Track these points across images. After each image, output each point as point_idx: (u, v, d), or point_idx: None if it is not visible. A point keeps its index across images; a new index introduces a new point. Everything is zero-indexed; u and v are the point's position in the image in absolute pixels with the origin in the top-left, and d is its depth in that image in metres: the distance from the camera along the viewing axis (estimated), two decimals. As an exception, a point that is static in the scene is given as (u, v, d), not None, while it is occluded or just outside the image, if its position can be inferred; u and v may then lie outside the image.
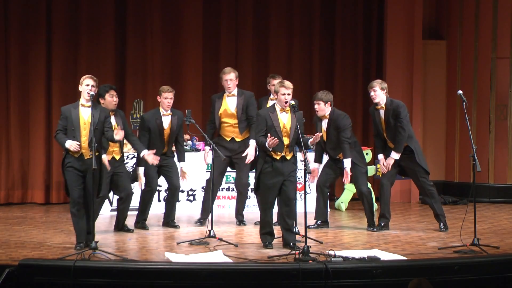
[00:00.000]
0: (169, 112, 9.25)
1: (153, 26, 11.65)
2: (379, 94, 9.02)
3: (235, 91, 9.39)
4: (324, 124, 9.21)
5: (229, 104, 9.38)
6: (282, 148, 7.86)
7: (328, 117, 9.15)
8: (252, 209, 10.17)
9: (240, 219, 9.61)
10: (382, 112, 9.08)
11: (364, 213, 9.37)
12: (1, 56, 11.19)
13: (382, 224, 9.18)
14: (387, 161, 9.08)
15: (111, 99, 8.78)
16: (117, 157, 8.84)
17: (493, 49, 11.95)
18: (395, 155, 9.02)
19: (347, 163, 8.98)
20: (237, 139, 9.38)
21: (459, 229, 8.41)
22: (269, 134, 7.80)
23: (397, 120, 8.96)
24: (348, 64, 12.30)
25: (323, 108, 9.13)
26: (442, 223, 9.16)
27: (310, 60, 12.18)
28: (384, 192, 9.19)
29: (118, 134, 7.80)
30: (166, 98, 9.22)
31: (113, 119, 8.64)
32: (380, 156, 9.18)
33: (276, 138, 7.73)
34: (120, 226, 9.00)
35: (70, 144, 7.66)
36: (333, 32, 12.28)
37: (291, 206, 7.95)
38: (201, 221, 9.41)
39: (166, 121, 9.25)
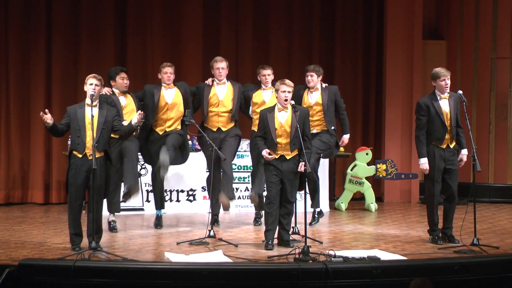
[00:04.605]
0: (171, 85, 9.15)
1: (153, 26, 11.64)
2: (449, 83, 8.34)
3: (225, 80, 9.35)
4: (315, 96, 9.33)
5: (218, 92, 9.29)
6: (275, 149, 7.94)
7: (319, 89, 9.36)
8: (251, 209, 10.17)
9: (230, 196, 9.05)
10: (445, 102, 8.33)
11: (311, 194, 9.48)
12: (1, 57, 11.17)
13: (439, 236, 8.49)
14: (463, 159, 8.38)
15: (122, 81, 8.85)
16: None
17: (493, 49, 11.95)
18: (466, 151, 8.39)
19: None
20: (223, 129, 9.27)
21: (459, 229, 8.41)
22: (266, 150, 7.95)
23: (460, 114, 8.36)
24: (348, 64, 12.29)
25: (316, 81, 9.38)
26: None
27: (310, 60, 12.14)
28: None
29: (134, 118, 7.70)
30: (166, 72, 9.14)
31: (123, 100, 8.74)
32: (425, 160, 8.32)
33: (273, 156, 7.91)
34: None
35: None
36: (333, 32, 12.27)
37: (289, 207, 8.00)
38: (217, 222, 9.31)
39: (170, 95, 9.13)
